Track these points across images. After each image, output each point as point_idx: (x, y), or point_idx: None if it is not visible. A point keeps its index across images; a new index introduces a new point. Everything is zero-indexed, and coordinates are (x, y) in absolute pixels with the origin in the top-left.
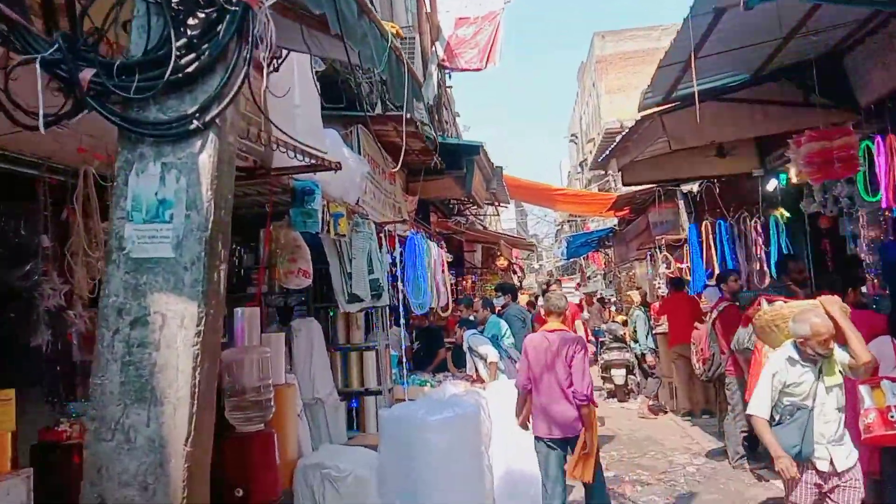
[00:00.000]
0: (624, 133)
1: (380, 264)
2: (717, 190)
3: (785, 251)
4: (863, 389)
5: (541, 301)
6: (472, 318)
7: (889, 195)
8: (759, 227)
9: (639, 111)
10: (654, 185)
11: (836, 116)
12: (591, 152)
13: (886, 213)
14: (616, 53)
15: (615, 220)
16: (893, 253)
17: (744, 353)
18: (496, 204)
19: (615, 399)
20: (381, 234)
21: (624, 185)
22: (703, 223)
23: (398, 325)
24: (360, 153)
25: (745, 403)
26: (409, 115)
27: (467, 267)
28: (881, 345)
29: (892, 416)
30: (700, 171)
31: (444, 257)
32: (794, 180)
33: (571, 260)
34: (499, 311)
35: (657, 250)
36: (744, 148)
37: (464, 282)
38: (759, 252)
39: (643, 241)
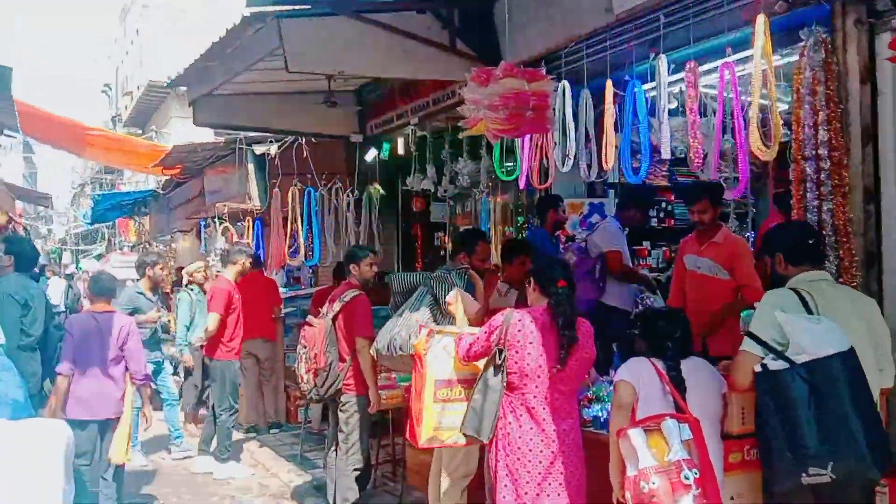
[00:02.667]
0: (217, 40)
1: None
2: (305, 153)
3: (376, 231)
4: (634, 435)
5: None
6: None
7: (528, 174)
8: (350, 203)
9: (248, 5)
10: (229, 135)
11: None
12: (126, 107)
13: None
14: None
15: (158, 183)
16: (540, 239)
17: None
18: None
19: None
20: None
21: (196, 124)
22: (290, 189)
23: None
24: None
25: (365, 432)
26: None
27: None
28: (639, 369)
29: (686, 478)
30: (291, 123)
31: None
32: (471, 132)
33: (95, 226)
34: None
35: (215, 221)
36: (346, 108)
37: None
38: (349, 232)
39: (194, 210)
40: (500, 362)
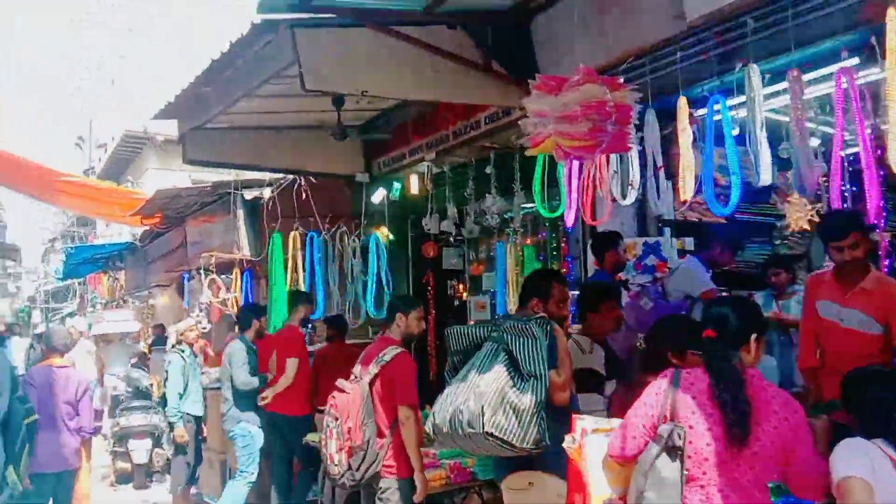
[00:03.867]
0: (218, 58)
1: None
2: (304, 195)
3: (385, 282)
4: None
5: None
6: None
7: (577, 208)
8: (357, 250)
9: (258, 11)
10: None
11: (512, 94)
12: (100, 159)
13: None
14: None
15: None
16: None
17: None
18: None
19: (129, 484)
20: None
21: (186, 161)
22: (292, 234)
23: None
24: None
25: None
26: None
27: None
28: (869, 459)
29: None
30: (291, 161)
31: None
32: (536, 151)
33: (67, 283)
34: None
35: (200, 273)
36: (351, 145)
37: None
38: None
39: (175, 263)
40: (678, 443)
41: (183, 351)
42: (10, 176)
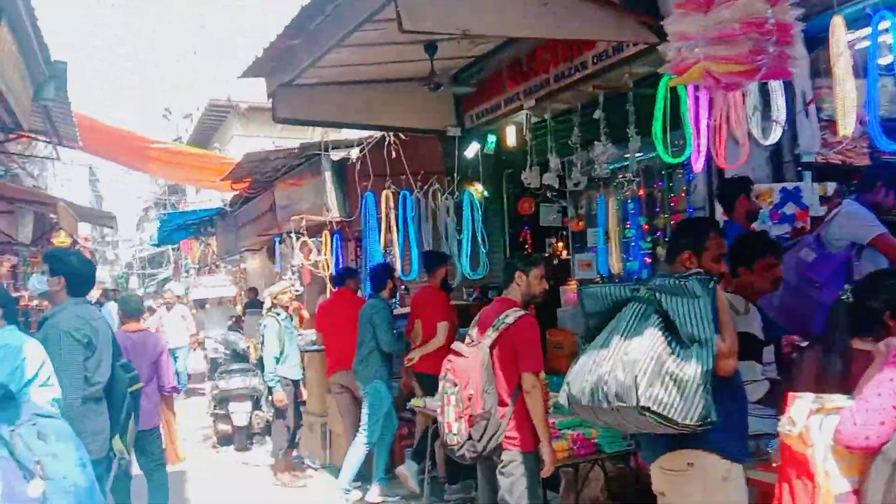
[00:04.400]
0: (308, 3)
1: None
2: (394, 153)
3: (480, 241)
4: None
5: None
6: None
7: (705, 150)
8: (450, 208)
9: None
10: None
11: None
12: (187, 130)
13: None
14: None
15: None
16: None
17: (613, 414)
18: (57, 142)
19: (230, 447)
20: None
21: (276, 119)
22: (384, 193)
23: None
24: None
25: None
26: None
27: (4, 242)
28: None
29: None
30: (381, 117)
31: None
32: (681, 80)
33: (161, 249)
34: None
35: (291, 236)
36: (441, 98)
37: None
38: (449, 239)
39: (265, 227)
40: None
41: (278, 314)
42: (104, 145)
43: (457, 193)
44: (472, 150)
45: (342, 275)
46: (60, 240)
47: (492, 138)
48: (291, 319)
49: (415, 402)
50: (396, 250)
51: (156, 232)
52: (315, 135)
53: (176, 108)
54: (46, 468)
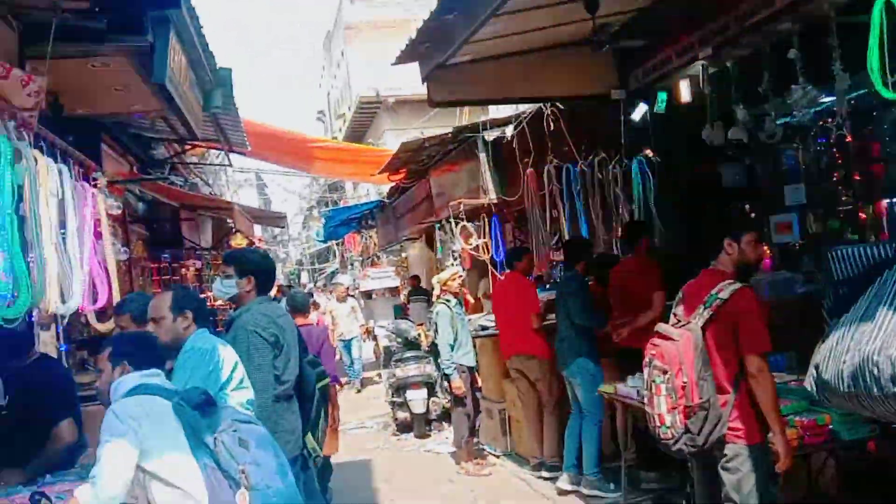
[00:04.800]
0: None
1: None
2: (552, 125)
3: (654, 210)
4: None
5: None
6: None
7: None
8: (618, 176)
9: None
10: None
11: None
12: (341, 130)
13: None
14: (367, 20)
15: (380, 194)
16: None
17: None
18: (227, 149)
19: (410, 434)
20: None
21: (431, 104)
22: (546, 168)
23: None
24: None
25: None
26: None
27: (189, 247)
28: None
29: None
30: (538, 88)
31: (104, 211)
32: None
33: (327, 244)
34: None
35: (450, 221)
36: (602, 59)
37: (184, 269)
38: (622, 212)
39: (423, 215)
40: None
41: (448, 301)
42: (270, 149)
43: (625, 162)
44: (638, 112)
45: (510, 256)
46: (238, 241)
47: (662, 97)
48: (462, 305)
49: (605, 389)
50: (564, 229)
51: (321, 229)
52: (464, 119)
53: (329, 111)
54: (250, 477)
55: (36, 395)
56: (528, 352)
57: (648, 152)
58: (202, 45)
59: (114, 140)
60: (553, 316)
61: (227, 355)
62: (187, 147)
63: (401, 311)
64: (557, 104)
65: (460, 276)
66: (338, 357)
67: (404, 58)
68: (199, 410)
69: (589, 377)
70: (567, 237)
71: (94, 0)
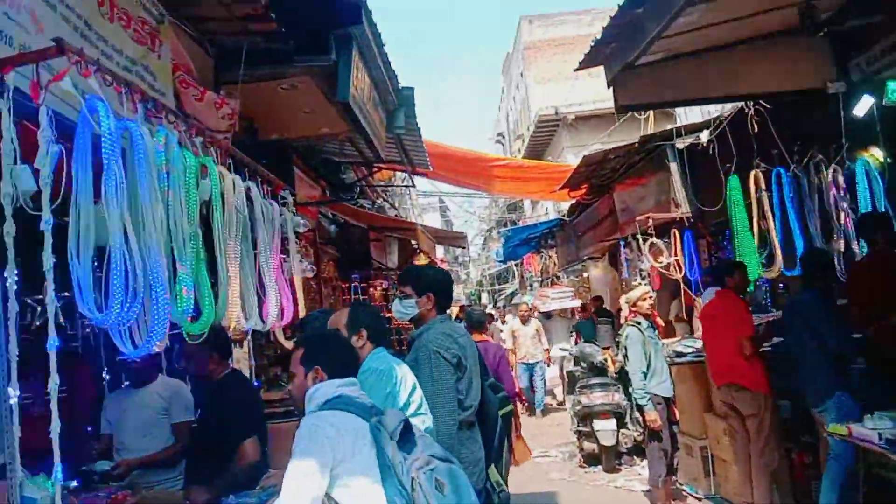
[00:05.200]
0: None
1: None
2: (756, 126)
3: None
4: None
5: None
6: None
7: None
8: (840, 180)
9: None
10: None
11: None
12: (520, 150)
13: None
14: (545, 39)
15: (558, 212)
16: None
17: None
18: (411, 170)
19: (598, 467)
20: None
21: (619, 108)
22: (752, 174)
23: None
24: None
25: None
26: None
27: (376, 268)
28: None
29: None
30: (739, 84)
31: (291, 228)
32: None
33: (506, 265)
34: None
35: (636, 239)
36: (816, 48)
37: (372, 290)
38: (844, 221)
39: (605, 232)
40: None
41: (639, 323)
42: (449, 169)
43: (847, 163)
44: (863, 106)
45: (719, 270)
46: (421, 262)
47: (893, 87)
48: (654, 329)
49: (836, 429)
50: (776, 241)
51: (500, 249)
52: (649, 129)
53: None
54: None
55: (224, 412)
56: (740, 382)
57: (875, 152)
58: (384, 62)
59: (306, 165)
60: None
61: (406, 377)
62: (374, 170)
63: (592, 331)
64: (762, 103)
65: (650, 296)
66: (521, 385)
67: (588, 62)
68: (397, 437)
69: (845, 414)
70: (779, 251)
71: (281, 21)
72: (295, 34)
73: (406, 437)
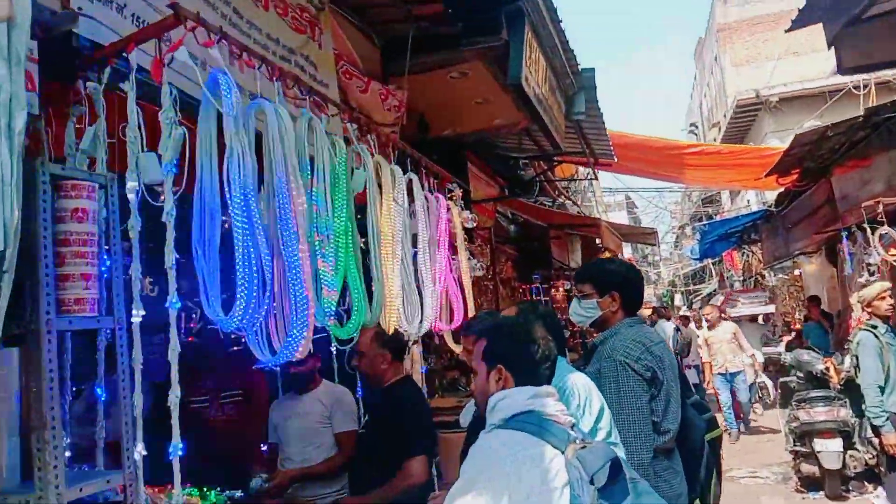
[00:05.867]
0: None
1: None
2: None
3: None
4: None
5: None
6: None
7: None
8: None
9: None
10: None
11: None
12: (715, 139)
13: None
14: (741, 19)
15: (763, 203)
16: None
17: None
18: (594, 162)
19: (819, 493)
20: None
21: (843, 70)
22: None
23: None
24: None
25: None
26: None
27: (557, 268)
28: None
29: None
30: None
31: (459, 224)
32: None
33: (702, 263)
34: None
35: (863, 228)
36: None
37: (553, 291)
38: None
39: (821, 223)
40: None
41: (875, 327)
42: (636, 160)
43: None
44: None
45: None
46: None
47: None
48: (894, 333)
49: None
50: None
51: (696, 246)
52: (872, 103)
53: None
54: None
55: (391, 419)
56: None
57: None
58: (561, 41)
59: (482, 162)
60: None
61: (592, 396)
62: (553, 164)
63: (823, 337)
64: None
65: (890, 294)
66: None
67: (802, 20)
68: (602, 482)
69: None
70: None
71: (446, 2)
72: (462, 15)
73: (614, 478)
